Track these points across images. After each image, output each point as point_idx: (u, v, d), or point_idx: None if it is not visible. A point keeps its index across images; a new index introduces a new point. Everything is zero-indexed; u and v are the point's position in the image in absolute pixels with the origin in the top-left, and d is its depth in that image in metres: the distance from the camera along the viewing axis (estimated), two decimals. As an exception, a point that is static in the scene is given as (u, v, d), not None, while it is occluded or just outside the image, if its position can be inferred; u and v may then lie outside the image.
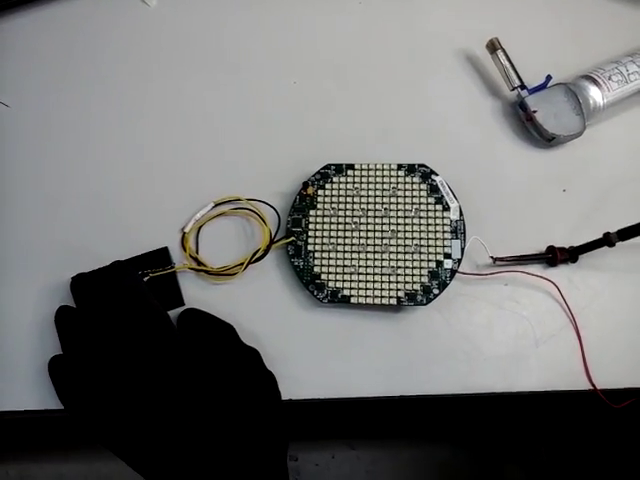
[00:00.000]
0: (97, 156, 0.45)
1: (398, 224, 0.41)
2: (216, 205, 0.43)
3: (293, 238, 0.41)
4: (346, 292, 0.40)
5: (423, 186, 0.41)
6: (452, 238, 0.40)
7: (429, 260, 0.40)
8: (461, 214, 0.40)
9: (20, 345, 0.40)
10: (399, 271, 0.40)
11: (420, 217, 0.41)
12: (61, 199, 0.44)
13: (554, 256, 0.41)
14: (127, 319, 0.36)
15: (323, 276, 0.40)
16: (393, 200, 0.41)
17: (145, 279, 0.40)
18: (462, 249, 0.40)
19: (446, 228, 0.40)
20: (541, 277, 0.41)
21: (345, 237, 0.41)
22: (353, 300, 0.39)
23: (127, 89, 0.48)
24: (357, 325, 0.41)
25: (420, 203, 0.41)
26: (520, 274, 0.41)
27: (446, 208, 0.41)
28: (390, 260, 0.40)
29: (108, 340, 0.35)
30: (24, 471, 1.03)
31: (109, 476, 1.01)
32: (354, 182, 0.42)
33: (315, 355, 0.40)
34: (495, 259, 0.41)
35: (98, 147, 0.46)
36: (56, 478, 1.03)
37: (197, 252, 0.42)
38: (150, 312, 0.36)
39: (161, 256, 0.41)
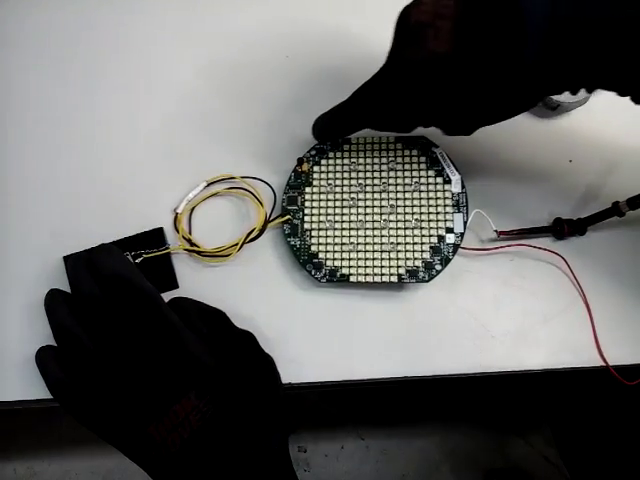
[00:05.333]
0: (87, 137, 0.44)
1: (397, 199, 0.39)
2: (209, 184, 0.41)
3: (289, 216, 0.39)
4: (345, 271, 0.38)
5: (423, 159, 0.40)
6: (454, 212, 0.38)
7: (430, 235, 0.38)
8: (463, 187, 0.39)
9: (9, 332, 0.39)
10: (399, 247, 0.38)
11: (420, 191, 0.39)
12: (51, 181, 0.43)
13: (561, 228, 0.39)
14: (119, 306, 0.34)
15: (321, 255, 0.39)
16: (392, 174, 0.40)
17: (138, 260, 0.39)
18: (465, 223, 0.38)
19: (447, 202, 0.38)
20: (548, 250, 0.39)
21: (343, 214, 0.39)
22: (352, 279, 0.38)
23: (114, 69, 0.46)
24: (358, 305, 0.39)
25: (420, 176, 0.39)
26: (526, 248, 0.40)
27: (447, 181, 0.39)
28: (390, 236, 0.38)
29: (99, 328, 0.34)
30: (31, 468, 1.03)
31: (114, 470, 1.00)
32: (350, 157, 0.40)
33: (315, 337, 0.39)
34: (500, 233, 0.39)
35: (88, 128, 0.44)
36: (63, 474, 1.03)
37: (190, 233, 0.40)
38: (144, 298, 0.35)
39: (156, 236, 0.40)
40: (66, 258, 0.39)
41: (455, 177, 0.39)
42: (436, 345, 0.39)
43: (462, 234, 0.38)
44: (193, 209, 0.41)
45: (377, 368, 0.38)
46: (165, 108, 0.45)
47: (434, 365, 0.38)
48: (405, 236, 0.38)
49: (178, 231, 0.40)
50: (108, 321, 0.34)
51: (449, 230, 0.38)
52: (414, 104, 0.34)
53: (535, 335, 0.39)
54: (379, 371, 0.38)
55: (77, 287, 0.36)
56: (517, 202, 0.41)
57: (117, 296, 0.34)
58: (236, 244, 0.39)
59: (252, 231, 0.39)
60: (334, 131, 0.40)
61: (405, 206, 0.39)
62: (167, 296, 0.37)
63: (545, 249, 0.39)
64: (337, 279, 0.38)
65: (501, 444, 1.04)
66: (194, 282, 0.40)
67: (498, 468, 1.02)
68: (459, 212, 0.38)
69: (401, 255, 0.38)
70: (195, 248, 0.39)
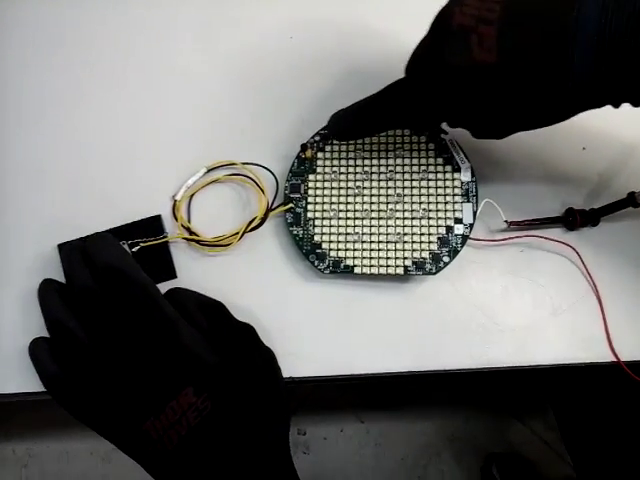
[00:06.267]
0: (82, 122, 0.42)
1: (404, 187, 0.37)
2: (209, 171, 0.40)
3: (291, 205, 0.38)
4: (349, 262, 0.37)
5: (431, 145, 0.38)
6: (463, 201, 0.37)
7: (438, 226, 0.37)
8: (473, 175, 0.37)
9: (2, 322, 0.38)
10: (406, 238, 0.37)
11: (428, 179, 0.37)
12: (45, 167, 0.41)
13: (573, 219, 0.38)
14: (114, 298, 0.33)
15: (324, 245, 0.37)
16: (399, 162, 0.38)
17: (135, 249, 0.37)
18: (474, 213, 0.37)
19: (457, 191, 0.37)
20: (560, 242, 0.38)
21: (347, 203, 0.38)
22: (357, 270, 0.37)
23: (110, 54, 0.44)
24: (362, 297, 0.38)
25: (428, 164, 0.38)
26: (537, 239, 0.38)
27: (456, 169, 0.37)
28: (396, 227, 0.37)
29: (94, 320, 0.33)
30: (30, 449, 1.03)
31: (112, 451, 1.00)
32: (356, 143, 0.39)
33: (317, 330, 0.38)
34: (510, 223, 0.38)
35: (83, 112, 0.42)
36: (61, 454, 1.03)
37: (189, 221, 0.39)
38: (139, 290, 0.33)
39: (153, 225, 0.39)
40: (61, 246, 0.38)
41: (465, 165, 0.37)
42: (443, 339, 0.37)
43: (471, 225, 0.37)
44: (192, 196, 0.40)
45: (381, 363, 0.37)
46: (163, 92, 0.43)
47: (440, 360, 0.37)
48: (412, 226, 0.37)
49: (177, 219, 0.39)
50: (103, 313, 0.33)
51: (458, 221, 0.37)
52: (450, 108, 0.32)
53: (545, 329, 0.37)
54: (383, 366, 0.37)
55: (71, 278, 0.35)
56: (528, 191, 0.40)
57: (112, 288, 0.33)
58: (237, 233, 0.38)
59: (253, 220, 0.38)
60: (358, 130, 0.37)
61: (412, 195, 0.37)
62: (165, 286, 0.36)
63: (556, 240, 0.38)
64: (341, 270, 0.37)
65: (502, 428, 1.04)
66: (193, 272, 0.38)
67: (498, 452, 1.02)
68: (468, 202, 0.37)
69: (407, 246, 0.37)
70: (194, 237, 0.38)
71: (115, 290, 0.33)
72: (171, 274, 0.38)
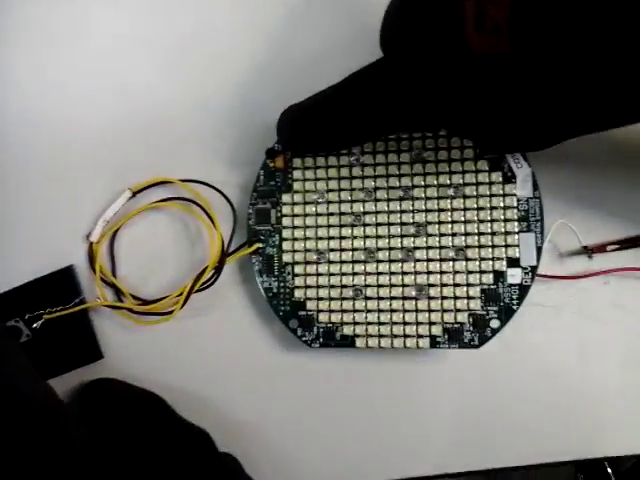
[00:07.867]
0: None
1: (428, 211, 0.24)
2: (135, 194, 0.27)
3: (259, 245, 0.25)
4: (348, 330, 0.25)
5: (469, 142, 0.24)
6: (521, 230, 0.24)
7: (482, 271, 0.24)
8: (535, 187, 0.24)
9: None
10: (432, 292, 0.24)
11: (465, 197, 0.24)
12: None
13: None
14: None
15: (310, 304, 0.25)
16: (418, 170, 0.24)
17: (37, 324, 0.26)
18: (539, 249, 0.24)
19: (510, 213, 0.24)
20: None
21: (341, 237, 0.25)
22: (359, 343, 0.24)
23: None
24: (370, 374, 0.26)
25: (464, 172, 0.24)
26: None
27: (509, 178, 0.24)
28: (416, 274, 0.24)
29: None
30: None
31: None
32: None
33: (306, 426, 0.27)
34: (591, 250, 0.25)
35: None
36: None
37: (114, 273, 0.27)
38: (32, 413, 0.23)
39: (63, 282, 0.27)
40: None
41: (522, 171, 0.24)
42: (492, 424, 0.26)
43: (534, 269, 0.24)
44: (115, 233, 0.27)
45: (405, 464, 0.26)
46: (71, 83, 0.28)
47: (495, 454, 0.26)
48: (441, 273, 0.24)
49: (94, 270, 0.26)
50: None
51: (513, 262, 0.24)
52: (448, 113, 0.20)
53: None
54: (409, 468, 0.26)
55: None
56: (610, 198, 0.25)
57: None
58: (181, 293, 0.25)
59: (203, 271, 0.25)
60: (315, 141, 0.24)
61: (440, 223, 0.24)
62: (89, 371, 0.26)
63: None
64: (336, 343, 0.25)
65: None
66: (124, 347, 0.27)
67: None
68: (529, 231, 0.24)
69: (435, 305, 0.24)
70: (123, 305, 0.26)
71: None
72: (95, 354, 0.26)
